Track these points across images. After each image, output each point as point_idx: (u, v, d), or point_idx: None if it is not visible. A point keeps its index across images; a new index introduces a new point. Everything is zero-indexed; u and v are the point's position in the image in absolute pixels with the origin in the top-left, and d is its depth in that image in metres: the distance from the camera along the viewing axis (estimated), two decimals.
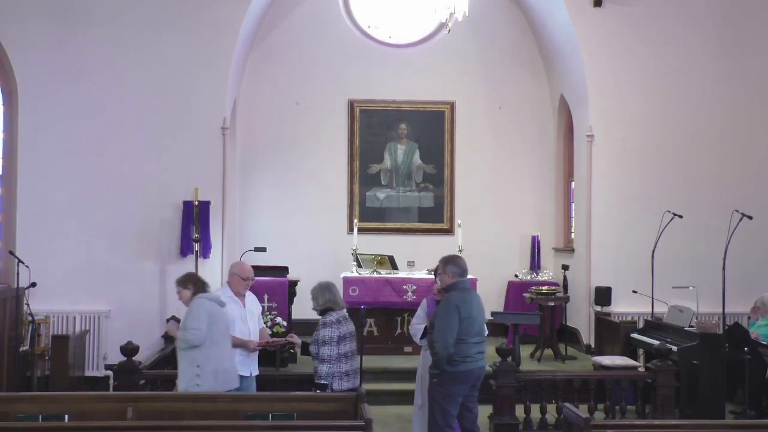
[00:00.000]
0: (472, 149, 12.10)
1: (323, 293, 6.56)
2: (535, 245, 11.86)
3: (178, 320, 6.55)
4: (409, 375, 7.32)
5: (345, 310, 6.66)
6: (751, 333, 8.52)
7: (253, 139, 11.84)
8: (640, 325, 9.60)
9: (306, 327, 11.05)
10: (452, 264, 6.49)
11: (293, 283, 9.92)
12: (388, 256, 10.47)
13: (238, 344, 6.48)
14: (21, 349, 8.69)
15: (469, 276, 9.71)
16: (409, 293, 9.91)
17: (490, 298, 11.25)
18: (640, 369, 8.47)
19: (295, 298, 9.95)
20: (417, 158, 12.10)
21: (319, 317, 6.59)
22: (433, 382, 6.27)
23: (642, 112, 10.67)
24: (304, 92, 11.91)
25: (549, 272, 11.73)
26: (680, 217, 9.66)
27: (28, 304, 8.67)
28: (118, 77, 9.98)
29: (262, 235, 11.50)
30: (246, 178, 11.84)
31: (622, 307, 10.36)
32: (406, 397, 7.28)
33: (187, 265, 9.82)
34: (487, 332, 6.98)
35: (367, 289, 9.91)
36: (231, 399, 5.87)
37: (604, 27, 10.61)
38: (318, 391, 6.24)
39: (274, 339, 6.83)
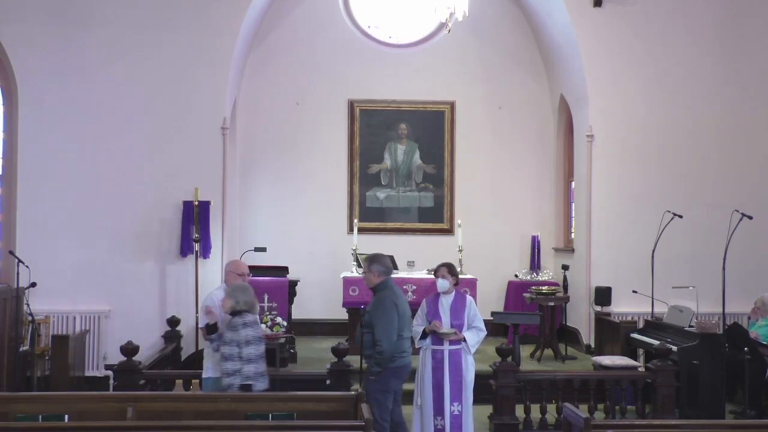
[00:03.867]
0: (472, 149, 12.10)
1: (244, 294, 6.40)
2: (535, 245, 11.86)
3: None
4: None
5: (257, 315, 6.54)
6: (751, 333, 8.53)
7: (253, 139, 11.84)
8: (640, 325, 9.60)
9: (307, 327, 11.18)
10: (377, 263, 6.62)
11: (293, 283, 9.92)
12: (388, 256, 10.45)
13: None
14: (21, 349, 8.69)
15: (469, 276, 9.91)
16: (409, 293, 9.88)
17: (490, 298, 11.29)
18: (640, 369, 8.47)
19: (295, 298, 9.97)
20: (417, 158, 12.11)
21: (231, 317, 6.35)
22: (372, 380, 6.36)
23: (642, 112, 10.66)
24: (304, 92, 11.92)
25: (549, 272, 11.73)
26: (680, 217, 9.67)
27: (28, 304, 8.66)
28: (118, 77, 9.97)
29: (262, 235, 11.50)
30: (246, 178, 11.84)
31: (622, 307, 10.36)
32: (406, 397, 7.26)
33: (187, 265, 9.84)
34: (486, 332, 7.00)
35: (367, 289, 9.86)
36: (231, 399, 5.86)
37: (604, 27, 10.60)
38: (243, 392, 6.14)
39: (274, 333, 6.78)
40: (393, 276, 9.90)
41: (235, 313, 6.33)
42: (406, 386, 7.21)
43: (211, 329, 6.42)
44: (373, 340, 6.38)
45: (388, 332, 6.31)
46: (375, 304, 6.50)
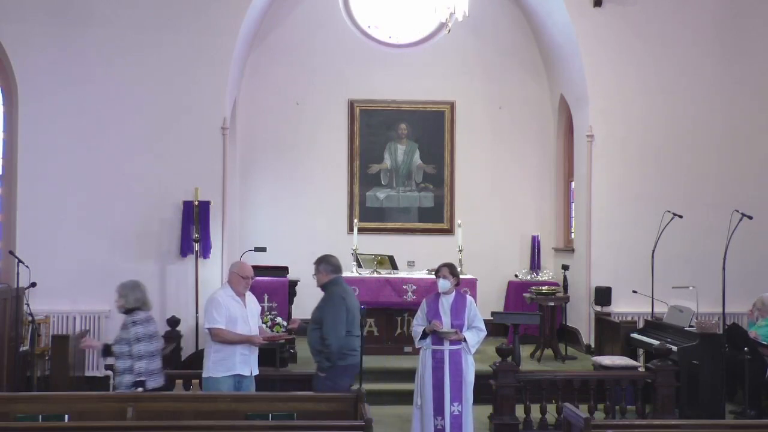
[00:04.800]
0: (472, 149, 12.10)
1: (134, 291, 6.45)
2: (535, 245, 11.86)
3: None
4: (408, 375, 7.33)
5: (151, 312, 6.58)
6: (750, 333, 8.53)
7: (253, 139, 11.84)
8: (640, 325, 9.60)
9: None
10: (325, 263, 6.70)
11: (293, 283, 9.92)
12: (388, 256, 10.46)
13: (244, 340, 6.48)
14: (21, 349, 8.69)
15: (469, 276, 9.90)
16: (409, 293, 9.91)
17: (490, 298, 11.29)
18: (640, 369, 8.48)
19: (295, 298, 9.97)
20: (417, 158, 12.11)
21: (125, 315, 6.46)
22: (322, 377, 6.41)
23: (642, 112, 10.67)
24: (304, 92, 11.92)
25: (549, 272, 11.73)
26: (680, 217, 9.67)
27: (28, 304, 8.66)
28: (118, 77, 9.97)
29: (262, 235, 11.50)
30: (246, 178, 11.84)
31: (622, 307, 10.36)
32: (406, 397, 7.29)
33: (187, 265, 9.84)
34: (486, 332, 7.00)
35: (367, 289, 9.89)
36: (231, 399, 5.88)
37: (604, 27, 10.60)
38: (140, 389, 6.15)
39: (279, 333, 6.80)
40: (393, 276, 10.09)
41: (127, 311, 6.42)
42: (407, 386, 7.24)
43: (107, 351, 6.58)
44: (321, 336, 6.42)
45: (335, 327, 6.37)
46: (323, 300, 6.58)
